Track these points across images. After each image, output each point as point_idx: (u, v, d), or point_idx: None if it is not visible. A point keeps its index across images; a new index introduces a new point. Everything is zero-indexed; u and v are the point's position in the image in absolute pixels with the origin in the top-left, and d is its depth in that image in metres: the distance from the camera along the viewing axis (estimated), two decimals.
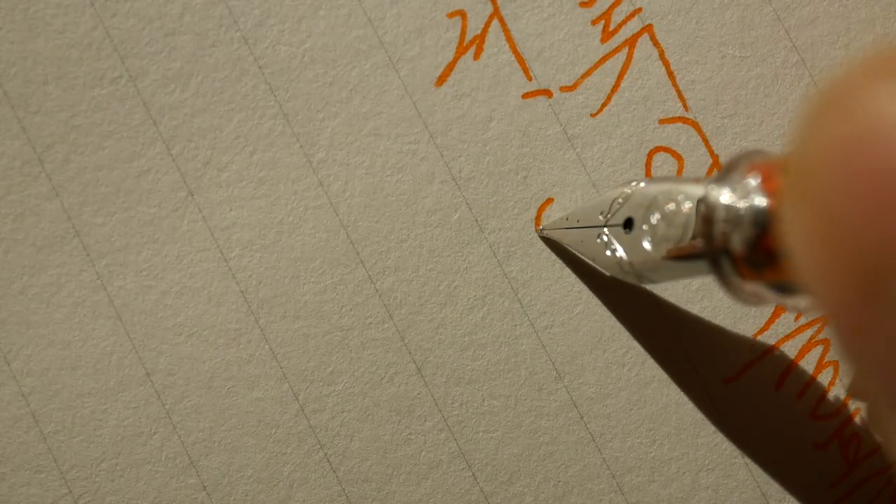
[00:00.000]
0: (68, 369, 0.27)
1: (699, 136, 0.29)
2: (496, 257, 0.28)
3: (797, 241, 0.17)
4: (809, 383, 0.28)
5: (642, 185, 0.25)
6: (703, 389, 0.28)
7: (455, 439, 0.28)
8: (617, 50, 0.29)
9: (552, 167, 0.28)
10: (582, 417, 0.28)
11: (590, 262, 0.27)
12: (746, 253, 0.21)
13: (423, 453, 0.28)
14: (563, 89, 0.29)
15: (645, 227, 0.24)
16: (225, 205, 0.28)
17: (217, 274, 0.27)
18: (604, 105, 0.29)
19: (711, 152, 0.29)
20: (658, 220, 0.24)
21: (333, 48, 0.28)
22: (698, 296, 0.28)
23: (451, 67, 0.28)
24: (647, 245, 0.24)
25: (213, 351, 0.27)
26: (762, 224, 0.20)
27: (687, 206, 0.23)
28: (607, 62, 0.29)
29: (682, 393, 0.28)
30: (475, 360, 0.28)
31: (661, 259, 0.24)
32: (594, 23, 0.29)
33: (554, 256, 0.28)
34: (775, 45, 0.29)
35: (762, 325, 0.28)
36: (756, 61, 0.29)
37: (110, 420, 0.27)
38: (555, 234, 0.28)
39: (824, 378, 0.28)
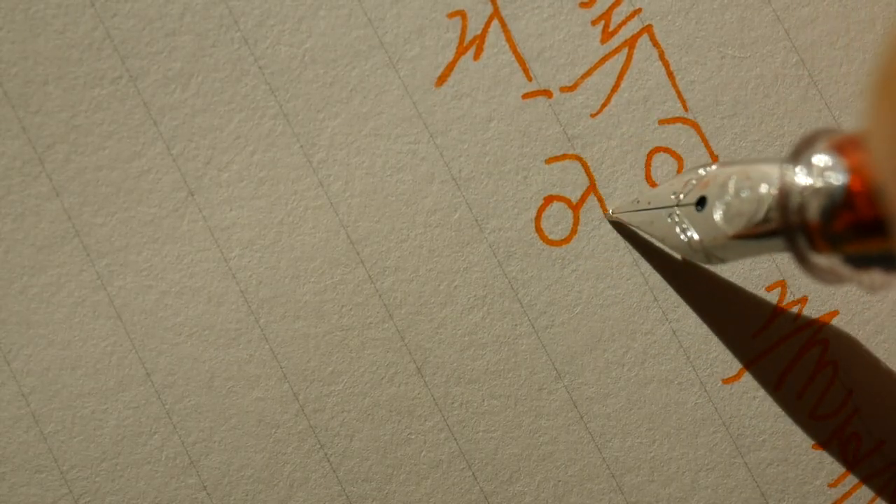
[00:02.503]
0: (68, 369, 0.27)
1: (699, 137, 0.29)
2: (496, 257, 0.28)
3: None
4: (809, 383, 0.28)
5: (715, 167, 0.25)
6: (703, 389, 0.28)
7: (455, 439, 0.28)
8: (617, 50, 0.29)
9: (552, 167, 0.28)
10: (582, 417, 0.28)
11: (658, 242, 0.27)
12: (822, 225, 0.21)
13: (423, 453, 0.28)
14: (563, 90, 0.29)
15: (718, 203, 0.24)
16: (225, 205, 0.28)
17: (217, 274, 0.27)
18: (604, 105, 0.29)
19: (711, 153, 0.29)
20: (732, 198, 0.24)
21: (333, 48, 0.28)
22: (699, 296, 0.28)
23: (451, 67, 0.28)
24: (719, 222, 0.24)
25: (213, 351, 0.27)
26: (839, 196, 0.20)
27: (763, 185, 0.22)
28: (607, 63, 0.29)
29: (681, 393, 0.28)
30: (475, 360, 0.28)
31: (734, 236, 0.24)
32: (594, 23, 0.29)
33: (555, 256, 0.28)
34: (775, 45, 0.29)
35: (762, 325, 0.28)
36: (756, 61, 0.29)
37: (110, 420, 0.27)
38: (625, 217, 0.28)
39: (824, 378, 0.28)
